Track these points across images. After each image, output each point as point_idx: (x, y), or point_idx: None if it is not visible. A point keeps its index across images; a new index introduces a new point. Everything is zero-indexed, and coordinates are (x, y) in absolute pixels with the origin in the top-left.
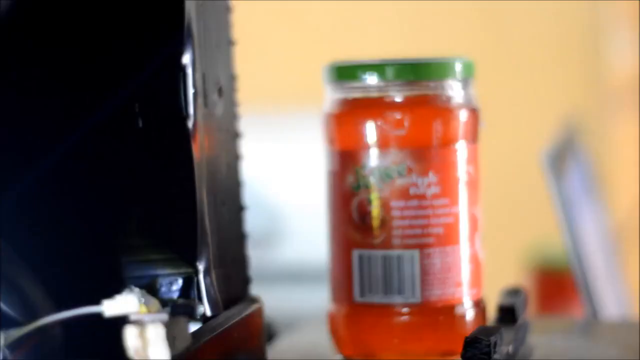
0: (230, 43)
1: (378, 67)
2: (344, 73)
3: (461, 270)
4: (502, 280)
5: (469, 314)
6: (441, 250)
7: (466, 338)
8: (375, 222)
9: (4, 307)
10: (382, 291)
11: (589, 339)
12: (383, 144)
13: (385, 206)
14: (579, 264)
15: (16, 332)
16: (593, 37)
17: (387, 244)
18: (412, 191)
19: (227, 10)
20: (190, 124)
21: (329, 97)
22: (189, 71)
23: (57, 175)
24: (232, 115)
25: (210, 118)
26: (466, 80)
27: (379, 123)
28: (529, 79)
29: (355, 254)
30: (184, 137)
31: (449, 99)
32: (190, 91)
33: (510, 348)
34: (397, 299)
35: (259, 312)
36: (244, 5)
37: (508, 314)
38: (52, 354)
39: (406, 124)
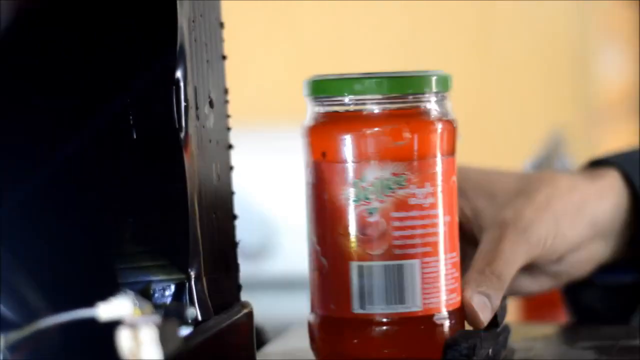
0: (221, 58)
1: (379, 79)
2: (345, 85)
3: (458, 277)
4: None
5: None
6: (438, 258)
7: (446, 341)
8: (376, 234)
9: (4, 311)
10: (384, 302)
11: (570, 343)
12: (383, 156)
13: (386, 217)
14: None
15: (15, 335)
16: (581, 51)
17: (388, 255)
18: (411, 202)
19: (219, 26)
20: (182, 135)
21: (317, 109)
22: (181, 85)
23: (54, 183)
24: (223, 127)
25: (201, 130)
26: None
27: (380, 135)
28: (517, 93)
29: (354, 266)
30: (177, 148)
31: (441, 111)
32: (183, 104)
33: (490, 351)
34: (399, 309)
35: (249, 316)
36: (236, 21)
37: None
38: (49, 355)
39: (406, 135)
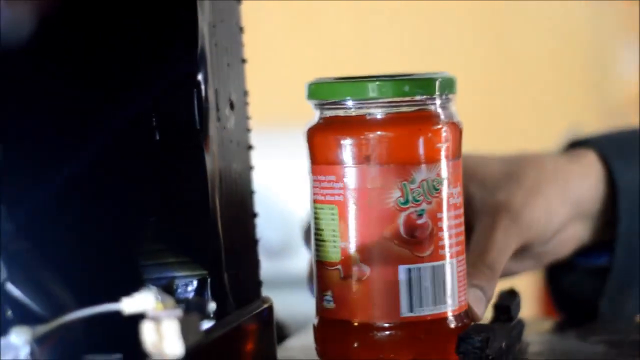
0: (241, 61)
1: (429, 80)
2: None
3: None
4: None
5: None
6: (464, 257)
7: (460, 334)
8: (425, 235)
9: (32, 305)
10: (432, 303)
11: (582, 337)
12: (431, 158)
13: (432, 218)
14: None
15: (43, 328)
16: (598, 50)
17: (435, 256)
18: (450, 202)
19: (239, 31)
20: (203, 136)
21: (359, 111)
22: (202, 87)
23: (80, 183)
24: (243, 129)
25: (222, 131)
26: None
27: (428, 136)
28: (534, 92)
29: (402, 269)
30: (198, 149)
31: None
32: (204, 106)
33: (504, 344)
34: (443, 309)
35: (269, 311)
36: (257, 23)
37: (503, 314)
38: (75, 348)
39: (447, 136)
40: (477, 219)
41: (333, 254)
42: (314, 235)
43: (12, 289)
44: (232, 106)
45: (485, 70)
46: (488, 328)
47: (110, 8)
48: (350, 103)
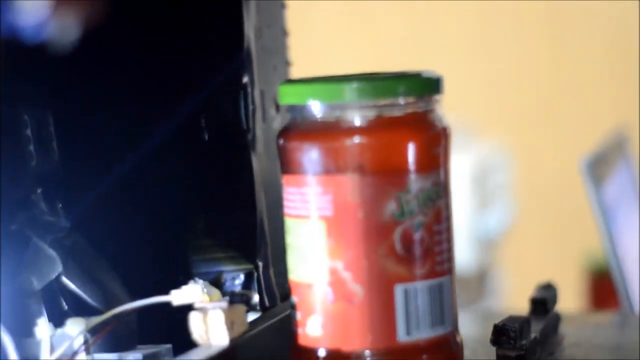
0: (287, 63)
1: (427, 80)
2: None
3: None
4: (562, 282)
5: None
6: (454, 274)
7: (495, 325)
8: (422, 251)
9: (86, 297)
10: (429, 325)
11: (619, 330)
12: (427, 165)
13: (429, 232)
14: (616, 264)
15: (96, 319)
16: None
17: (431, 273)
18: (444, 213)
19: (284, 35)
20: (250, 136)
21: (355, 115)
22: (249, 89)
23: (133, 181)
24: None
25: (268, 131)
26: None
27: (424, 142)
28: (585, 89)
29: (399, 289)
30: (245, 149)
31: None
32: (250, 107)
33: (538, 335)
34: (440, 331)
35: None
36: (301, 29)
37: (540, 306)
38: (127, 337)
39: (442, 141)
40: None
41: (319, 274)
42: (292, 253)
43: (67, 282)
44: (277, 107)
45: (537, 64)
46: (523, 319)
47: (159, 15)
48: (338, 106)
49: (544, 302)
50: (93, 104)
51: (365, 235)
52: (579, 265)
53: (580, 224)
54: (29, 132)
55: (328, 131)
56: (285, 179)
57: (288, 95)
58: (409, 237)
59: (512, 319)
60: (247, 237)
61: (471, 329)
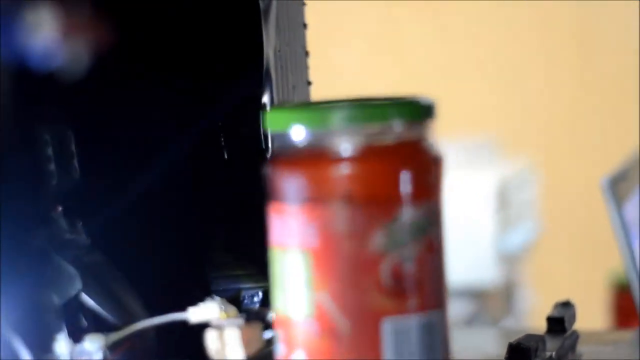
0: (307, 83)
1: (420, 105)
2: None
3: None
4: (586, 298)
5: None
6: (446, 308)
7: (510, 344)
8: (413, 283)
9: (105, 314)
10: None
11: (638, 348)
12: (419, 194)
13: (421, 263)
14: (636, 282)
15: (115, 335)
16: None
17: (421, 307)
18: (435, 244)
19: (304, 54)
20: (270, 155)
21: (345, 142)
22: (268, 109)
23: (153, 198)
24: None
25: None
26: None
27: (416, 171)
28: (609, 106)
29: (388, 324)
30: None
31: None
32: None
33: (554, 354)
34: None
35: None
36: (321, 48)
37: (557, 325)
38: (145, 354)
39: (435, 170)
40: None
41: (304, 307)
42: (276, 284)
43: (86, 299)
44: None
45: (562, 90)
46: (538, 337)
47: (180, 34)
48: (323, 133)
49: (561, 320)
50: (114, 123)
51: (352, 267)
52: (604, 282)
53: (605, 241)
54: (50, 151)
55: (313, 159)
56: (270, 207)
57: (273, 122)
58: (399, 269)
59: (527, 337)
60: (266, 255)
61: (492, 347)
